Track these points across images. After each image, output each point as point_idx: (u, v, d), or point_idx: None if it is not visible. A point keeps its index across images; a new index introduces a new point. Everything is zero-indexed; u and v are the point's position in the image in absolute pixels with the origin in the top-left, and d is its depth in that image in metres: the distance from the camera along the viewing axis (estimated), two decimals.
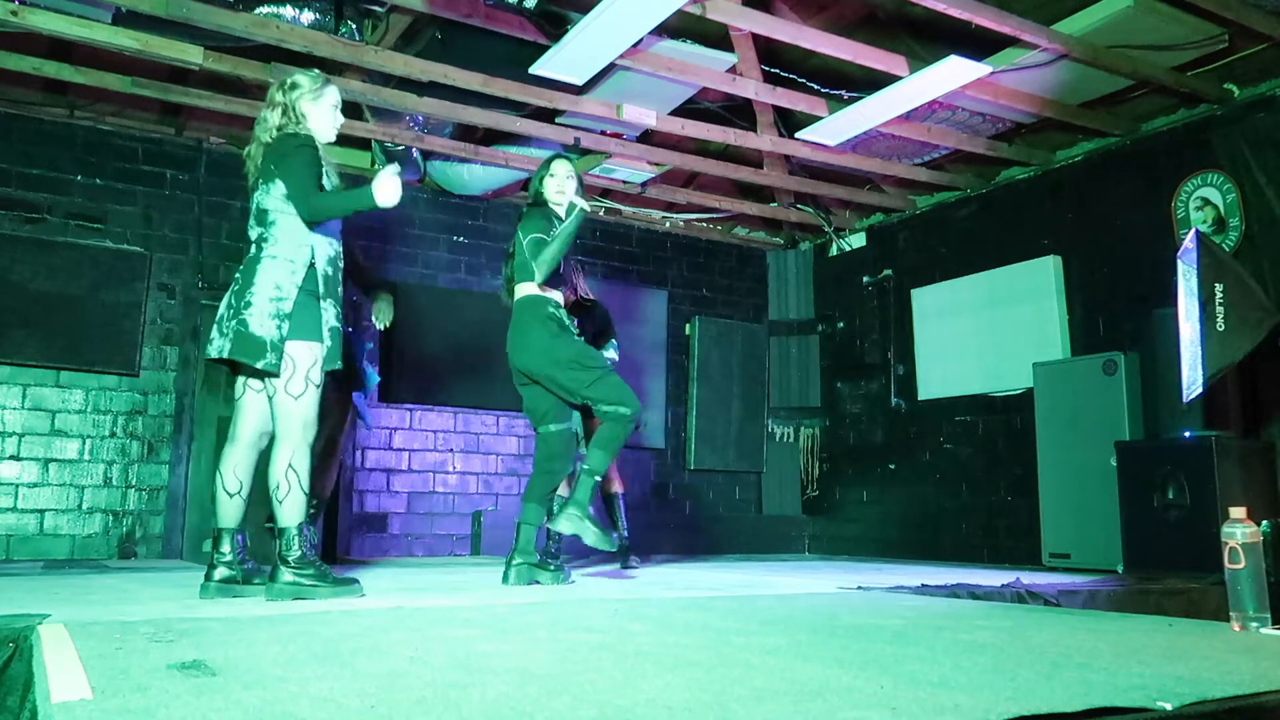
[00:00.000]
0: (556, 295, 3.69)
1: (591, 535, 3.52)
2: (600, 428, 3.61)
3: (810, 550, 7.27)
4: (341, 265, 3.13)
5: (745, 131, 5.68)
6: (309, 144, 3.04)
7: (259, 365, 2.90)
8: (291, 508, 2.92)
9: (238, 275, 3.00)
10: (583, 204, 3.67)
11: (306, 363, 2.95)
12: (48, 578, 3.78)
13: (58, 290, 5.23)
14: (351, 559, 5.44)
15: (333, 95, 3.19)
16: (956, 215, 6.61)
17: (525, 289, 3.64)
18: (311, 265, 2.99)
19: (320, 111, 3.13)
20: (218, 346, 2.95)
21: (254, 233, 3.05)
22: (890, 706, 1.39)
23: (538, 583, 3.60)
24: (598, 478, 3.57)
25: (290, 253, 2.97)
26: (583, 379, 3.54)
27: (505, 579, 3.57)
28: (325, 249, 3.04)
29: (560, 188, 3.76)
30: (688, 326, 7.27)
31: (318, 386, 2.98)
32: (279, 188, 2.99)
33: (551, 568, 3.67)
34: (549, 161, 3.86)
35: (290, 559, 2.91)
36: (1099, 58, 4.62)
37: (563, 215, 3.74)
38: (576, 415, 3.91)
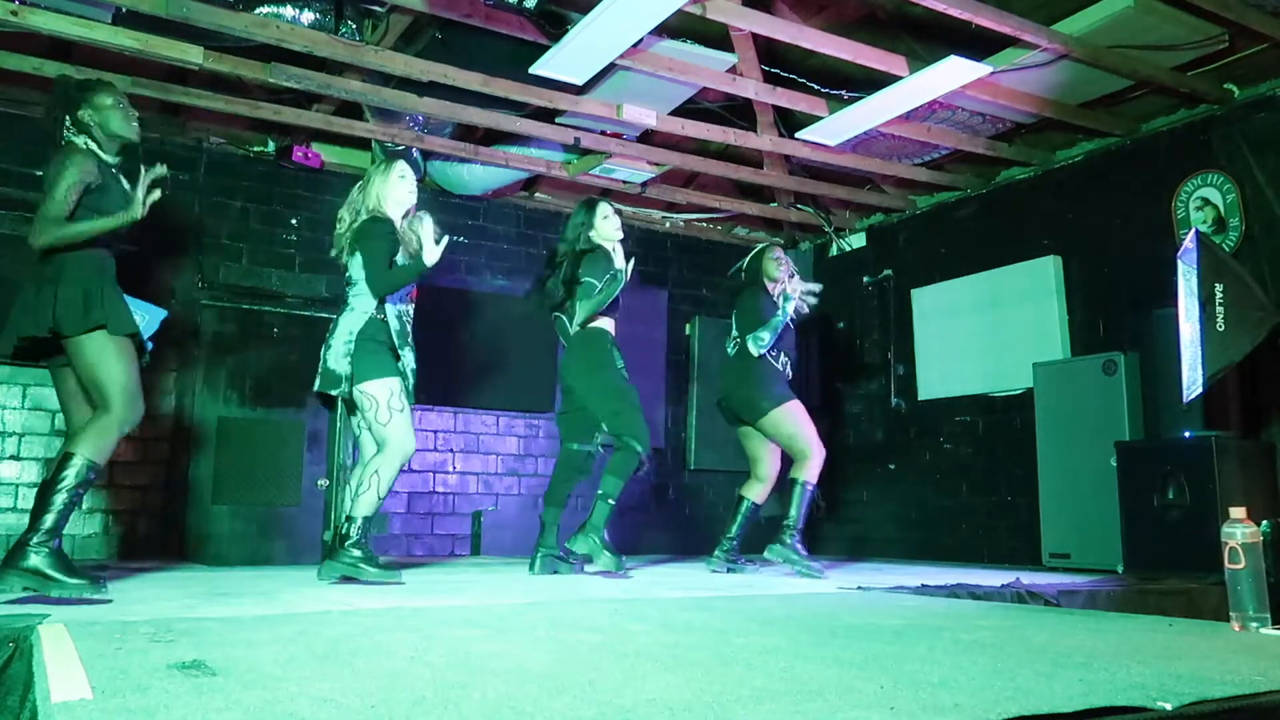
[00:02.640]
0: (609, 325, 4.25)
1: (604, 559, 3.98)
2: (613, 455, 4.07)
3: (810, 550, 7.25)
4: (410, 318, 3.82)
5: (745, 131, 5.68)
6: (387, 228, 3.72)
7: (332, 393, 3.66)
8: (365, 502, 3.54)
9: (330, 326, 3.76)
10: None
11: (385, 397, 3.59)
12: None
13: None
14: None
15: (400, 168, 3.86)
16: (956, 215, 6.61)
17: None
18: (381, 320, 3.67)
19: (390, 186, 3.80)
20: (317, 383, 3.73)
21: (347, 289, 3.78)
22: (890, 706, 1.39)
23: (558, 572, 4.12)
24: (612, 502, 4.00)
25: (366, 306, 3.67)
26: (611, 409, 4.08)
27: (531, 568, 4.12)
28: (393, 308, 3.72)
29: (618, 226, 4.33)
30: (688, 326, 7.26)
31: (401, 411, 3.62)
32: (359, 261, 3.70)
33: (570, 561, 4.18)
34: (593, 206, 4.34)
35: (350, 542, 3.49)
36: (1099, 58, 4.62)
37: (610, 251, 4.27)
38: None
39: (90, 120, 3.08)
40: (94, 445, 2.86)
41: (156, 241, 5.55)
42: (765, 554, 4.44)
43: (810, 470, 4.45)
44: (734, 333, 4.73)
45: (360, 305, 3.68)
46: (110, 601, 2.75)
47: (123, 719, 1.27)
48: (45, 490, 2.79)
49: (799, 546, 4.41)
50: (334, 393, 3.66)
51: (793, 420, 4.48)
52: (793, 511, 4.42)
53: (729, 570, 4.52)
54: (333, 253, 3.93)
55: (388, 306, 3.71)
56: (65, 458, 2.84)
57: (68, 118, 3.07)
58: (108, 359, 2.91)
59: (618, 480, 4.00)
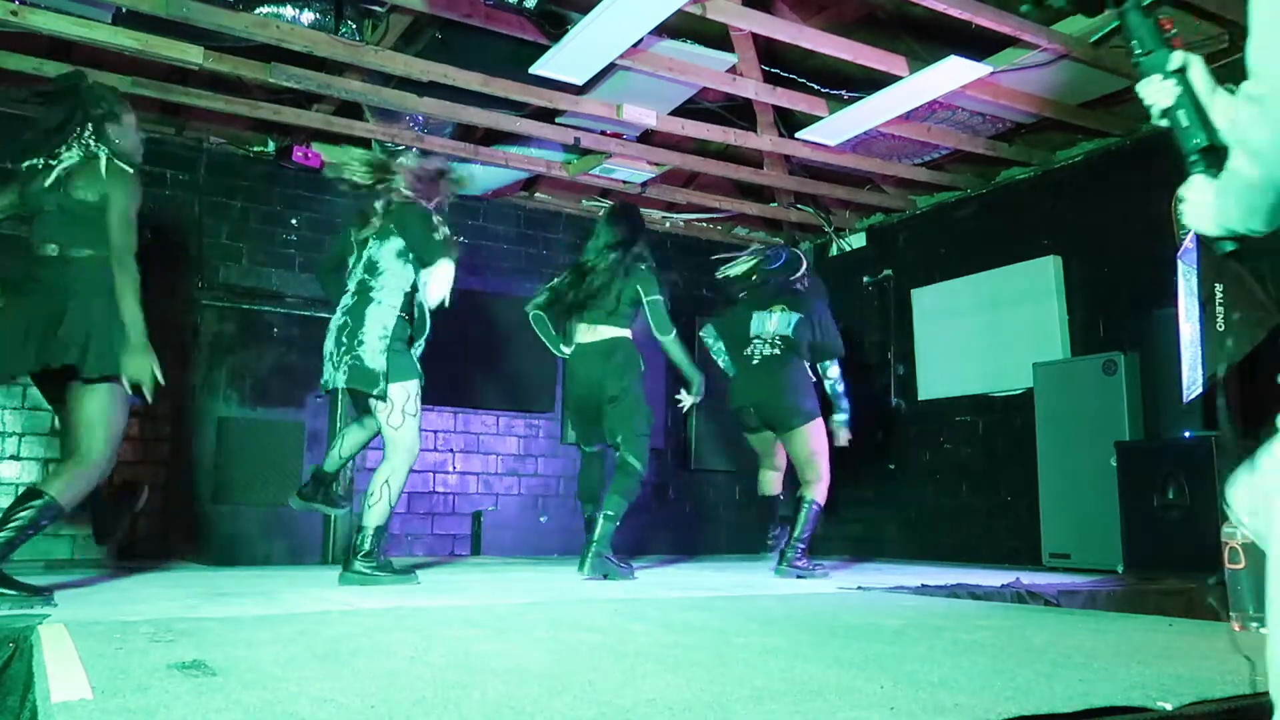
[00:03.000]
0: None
1: (616, 575, 3.96)
2: (616, 477, 4.04)
3: (810, 551, 7.25)
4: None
5: (745, 131, 5.68)
6: (429, 214, 3.70)
7: (374, 393, 3.48)
8: (377, 513, 3.49)
9: (345, 319, 3.58)
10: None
11: (402, 400, 3.52)
12: (48, 578, 3.77)
13: None
14: None
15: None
16: (956, 215, 6.60)
17: (618, 331, 4.19)
18: (406, 316, 3.60)
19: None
20: (334, 378, 3.56)
21: (355, 280, 3.64)
22: (890, 706, 1.39)
23: (609, 576, 3.98)
24: (617, 523, 3.97)
25: (393, 300, 3.58)
26: (631, 422, 4.06)
27: (581, 567, 3.93)
28: (414, 299, 3.65)
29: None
30: None
31: (414, 416, 3.56)
32: (395, 245, 3.62)
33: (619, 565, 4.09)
34: (638, 215, 4.46)
35: (362, 552, 3.46)
36: (1099, 58, 4.62)
37: None
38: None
39: (115, 136, 3.01)
40: (67, 493, 2.73)
41: (156, 241, 5.55)
42: (774, 574, 4.40)
43: (821, 492, 4.50)
44: (771, 330, 4.69)
45: (388, 300, 3.58)
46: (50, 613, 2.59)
47: (123, 719, 1.27)
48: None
49: (804, 562, 4.39)
50: (373, 392, 3.49)
51: (816, 440, 4.54)
52: (798, 530, 4.41)
53: (799, 576, 4.29)
54: (361, 234, 3.74)
55: (413, 300, 3.65)
56: (33, 494, 2.69)
57: (91, 125, 2.94)
58: (115, 408, 2.87)
59: (623, 501, 3.98)
